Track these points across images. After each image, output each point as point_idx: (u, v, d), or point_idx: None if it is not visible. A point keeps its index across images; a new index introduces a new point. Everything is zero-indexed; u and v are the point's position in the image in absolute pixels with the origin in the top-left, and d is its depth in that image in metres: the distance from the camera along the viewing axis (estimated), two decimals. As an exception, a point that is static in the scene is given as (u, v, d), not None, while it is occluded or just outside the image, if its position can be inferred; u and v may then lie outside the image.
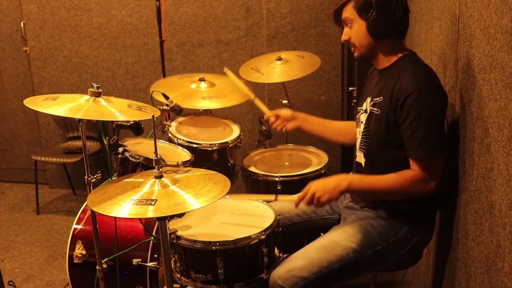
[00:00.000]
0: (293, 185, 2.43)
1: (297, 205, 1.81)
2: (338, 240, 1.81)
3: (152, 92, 2.47)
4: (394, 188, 1.71)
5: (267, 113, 2.37)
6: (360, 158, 1.90)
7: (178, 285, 1.90)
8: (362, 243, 1.79)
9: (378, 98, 1.79)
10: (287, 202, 2.09)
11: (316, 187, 1.76)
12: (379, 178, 1.75)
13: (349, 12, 1.81)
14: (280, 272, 1.76)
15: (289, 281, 1.72)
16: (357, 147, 1.93)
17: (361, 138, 1.88)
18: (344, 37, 1.86)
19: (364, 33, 1.78)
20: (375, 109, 1.80)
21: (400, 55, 1.80)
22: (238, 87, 2.59)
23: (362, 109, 1.89)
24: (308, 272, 1.73)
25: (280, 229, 1.91)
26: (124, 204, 1.46)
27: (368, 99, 1.86)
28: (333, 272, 1.75)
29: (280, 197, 1.94)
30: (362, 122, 1.88)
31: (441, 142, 1.68)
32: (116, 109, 1.76)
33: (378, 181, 1.75)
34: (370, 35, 1.77)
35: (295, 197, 1.83)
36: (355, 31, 1.81)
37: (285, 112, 2.28)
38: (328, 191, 1.74)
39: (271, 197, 1.96)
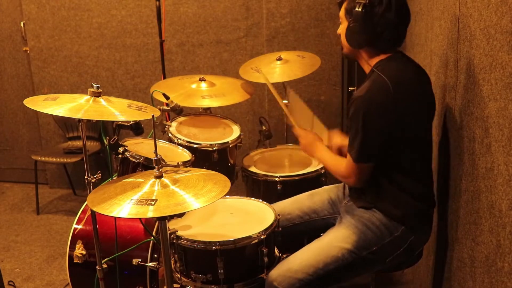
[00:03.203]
0: (293, 185, 2.43)
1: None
2: (334, 241, 1.82)
3: (153, 92, 2.47)
4: (329, 167, 1.95)
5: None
6: None
7: (178, 285, 1.90)
8: (358, 244, 1.79)
9: None
10: (288, 203, 2.11)
11: (302, 138, 2.09)
12: (329, 156, 1.98)
13: (342, 11, 1.84)
14: (276, 274, 1.76)
15: (285, 283, 1.73)
16: None
17: None
18: (338, 30, 1.90)
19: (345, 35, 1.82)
20: None
21: (377, 60, 1.79)
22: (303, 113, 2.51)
23: None
24: (303, 273, 1.73)
25: (280, 229, 1.91)
26: (124, 204, 1.46)
27: None
28: (329, 273, 1.76)
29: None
30: None
31: (364, 150, 1.72)
32: (116, 109, 1.76)
33: (327, 158, 1.99)
34: (346, 41, 1.81)
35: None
36: (342, 31, 1.85)
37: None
38: (303, 145, 2.08)
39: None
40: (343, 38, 1.84)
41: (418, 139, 1.77)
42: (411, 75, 1.77)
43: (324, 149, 2.03)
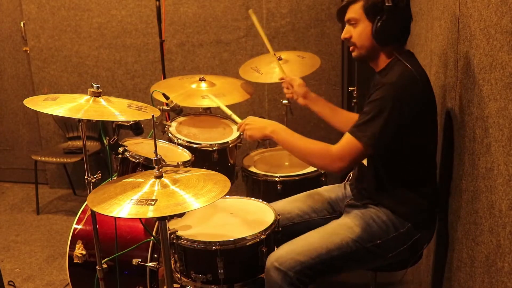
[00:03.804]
0: (293, 185, 2.43)
1: (238, 129, 2.09)
2: (339, 229, 1.82)
3: (152, 92, 2.47)
4: (305, 151, 1.83)
5: (283, 74, 2.38)
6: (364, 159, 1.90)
7: (178, 285, 1.90)
8: (362, 235, 1.80)
9: None
10: (288, 202, 2.10)
11: (249, 121, 1.99)
12: (299, 138, 1.86)
13: (355, 11, 1.78)
14: (278, 254, 1.76)
15: (286, 264, 1.71)
16: None
17: None
18: (345, 35, 1.83)
19: (368, 35, 1.77)
20: None
21: (395, 55, 1.80)
22: (261, 36, 2.57)
23: None
24: (306, 256, 1.73)
25: (280, 229, 1.91)
26: (124, 204, 1.46)
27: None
28: (331, 259, 1.75)
29: (234, 116, 2.20)
30: None
31: (378, 138, 1.68)
32: (116, 109, 1.76)
33: (297, 141, 1.85)
34: (375, 40, 1.76)
35: (239, 121, 2.09)
36: (359, 32, 1.79)
37: (299, 86, 2.27)
38: (254, 129, 1.96)
39: (228, 112, 2.23)
40: (362, 39, 1.79)
41: (427, 136, 1.77)
42: (424, 70, 1.79)
43: (290, 131, 1.89)
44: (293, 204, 2.08)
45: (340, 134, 1.84)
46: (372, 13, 1.74)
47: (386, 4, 1.69)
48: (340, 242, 1.77)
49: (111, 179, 2.22)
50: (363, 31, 1.78)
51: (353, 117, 2.19)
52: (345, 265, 1.83)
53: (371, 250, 1.80)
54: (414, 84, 1.69)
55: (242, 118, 2.14)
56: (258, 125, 1.95)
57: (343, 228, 1.82)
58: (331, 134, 3.55)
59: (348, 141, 1.73)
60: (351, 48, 1.86)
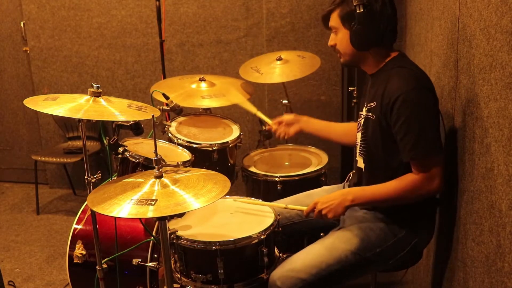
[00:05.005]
0: (293, 185, 2.43)
1: (306, 216, 1.89)
2: (337, 242, 1.82)
3: (152, 92, 2.47)
4: (397, 194, 1.72)
5: (270, 123, 2.39)
6: (360, 163, 1.90)
7: (178, 285, 1.90)
8: (361, 246, 1.79)
9: (372, 104, 1.80)
10: (287, 202, 2.09)
11: (321, 204, 1.79)
12: (381, 187, 1.75)
13: (334, 20, 1.83)
14: (279, 273, 1.76)
15: (287, 283, 1.73)
16: (357, 152, 1.92)
17: (360, 143, 1.89)
18: (330, 42, 1.88)
19: (347, 42, 1.80)
20: (371, 114, 1.80)
21: (387, 59, 1.80)
22: (241, 103, 2.58)
23: (362, 114, 1.89)
24: (307, 274, 1.73)
25: (280, 229, 1.91)
26: (124, 204, 1.46)
27: (365, 104, 1.87)
28: (331, 274, 1.76)
29: (290, 206, 1.97)
30: (361, 127, 1.88)
31: (436, 141, 1.67)
32: (116, 109, 1.76)
33: (381, 190, 1.75)
34: (353, 46, 1.79)
35: (304, 208, 1.87)
36: (340, 39, 1.83)
37: (287, 117, 2.29)
38: (333, 208, 1.77)
39: (281, 205, 1.99)
40: (343, 46, 1.82)
41: None
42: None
43: (365, 189, 1.80)
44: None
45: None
46: (347, 20, 1.77)
47: (358, 11, 1.70)
48: (339, 256, 1.77)
49: (111, 179, 2.22)
50: (342, 39, 1.82)
51: (349, 127, 2.20)
52: (346, 277, 1.82)
53: (371, 259, 1.80)
54: (430, 84, 1.72)
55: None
56: (335, 202, 1.77)
57: (341, 241, 1.81)
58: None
59: (419, 163, 1.68)
60: (338, 55, 1.89)
